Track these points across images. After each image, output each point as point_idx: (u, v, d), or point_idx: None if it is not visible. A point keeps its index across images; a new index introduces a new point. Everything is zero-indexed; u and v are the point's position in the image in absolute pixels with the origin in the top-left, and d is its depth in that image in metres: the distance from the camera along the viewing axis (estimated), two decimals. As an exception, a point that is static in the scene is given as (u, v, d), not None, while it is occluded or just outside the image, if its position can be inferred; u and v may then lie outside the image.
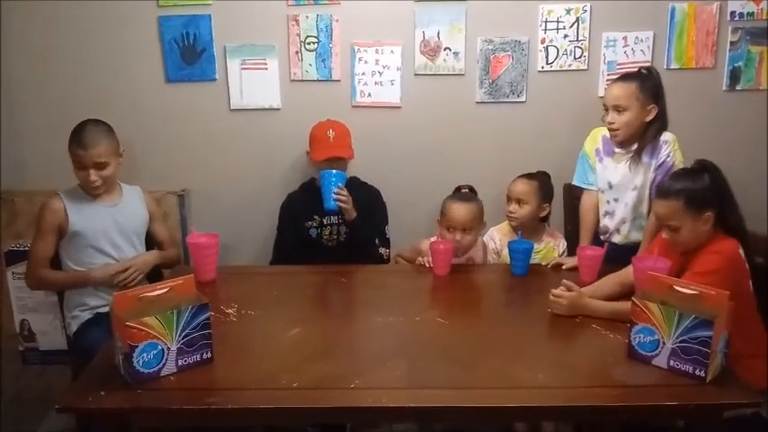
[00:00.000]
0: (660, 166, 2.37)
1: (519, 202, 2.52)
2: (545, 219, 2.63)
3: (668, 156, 2.36)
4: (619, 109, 2.35)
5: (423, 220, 2.86)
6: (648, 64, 2.74)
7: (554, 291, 1.97)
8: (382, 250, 2.67)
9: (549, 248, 2.58)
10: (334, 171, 2.49)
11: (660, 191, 2.00)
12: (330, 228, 2.64)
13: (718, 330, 1.55)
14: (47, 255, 2.26)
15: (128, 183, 2.45)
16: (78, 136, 2.21)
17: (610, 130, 2.41)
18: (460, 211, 2.42)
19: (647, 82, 2.35)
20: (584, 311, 1.94)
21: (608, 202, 2.51)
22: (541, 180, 2.58)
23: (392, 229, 2.74)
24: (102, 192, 2.30)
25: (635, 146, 2.40)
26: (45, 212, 2.24)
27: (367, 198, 2.71)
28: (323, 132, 2.63)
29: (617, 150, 2.44)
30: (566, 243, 2.62)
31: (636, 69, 2.48)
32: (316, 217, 2.65)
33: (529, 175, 2.59)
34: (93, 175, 2.22)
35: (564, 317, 1.96)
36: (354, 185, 2.71)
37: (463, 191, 2.56)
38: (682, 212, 1.90)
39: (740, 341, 1.80)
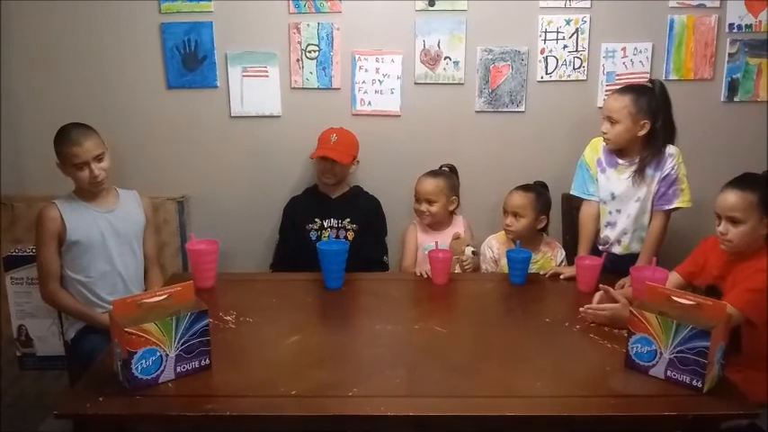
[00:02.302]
0: (665, 178, 2.39)
1: (515, 215, 2.53)
2: (543, 229, 2.64)
3: (673, 168, 2.38)
4: (611, 120, 2.38)
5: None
6: (648, 75, 2.77)
7: (593, 305, 1.97)
8: (385, 258, 2.75)
9: (547, 259, 2.58)
10: (333, 247, 2.29)
11: (735, 181, 1.99)
12: (330, 231, 2.66)
13: (715, 341, 1.55)
14: (55, 268, 2.26)
15: (128, 188, 2.45)
16: (68, 136, 2.20)
17: (603, 138, 2.44)
18: (424, 183, 2.64)
19: (643, 96, 2.36)
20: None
21: (610, 212, 2.51)
22: (538, 191, 2.59)
23: (391, 236, 2.75)
24: (105, 186, 2.29)
25: (637, 158, 2.41)
26: (43, 221, 2.23)
27: (366, 205, 2.77)
28: (327, 135, 2.71)
29: (620, 162, 2.46)
30: (564, 253, 2.62)
31: (640, 81, 2.51)
32: (316, 220, 2.70)
33: (525, 188, 2.59)
34: (96, 169, 2.21)
35: (562, 326, 1.97)
36: (356, 193, 2.78)
37: (443, 168, 2.72)
38: (751, 207, 1.92)
39: (755, 354, 1.83)
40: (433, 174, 2.68)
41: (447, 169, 2.75)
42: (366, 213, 2.74)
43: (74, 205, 2.28)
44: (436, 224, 2.69)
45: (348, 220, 2.70)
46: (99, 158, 2.23)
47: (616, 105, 2.37)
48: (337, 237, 2.67)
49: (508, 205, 2.56)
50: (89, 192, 2.28)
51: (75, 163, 2.20)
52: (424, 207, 2.63)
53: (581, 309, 2.00)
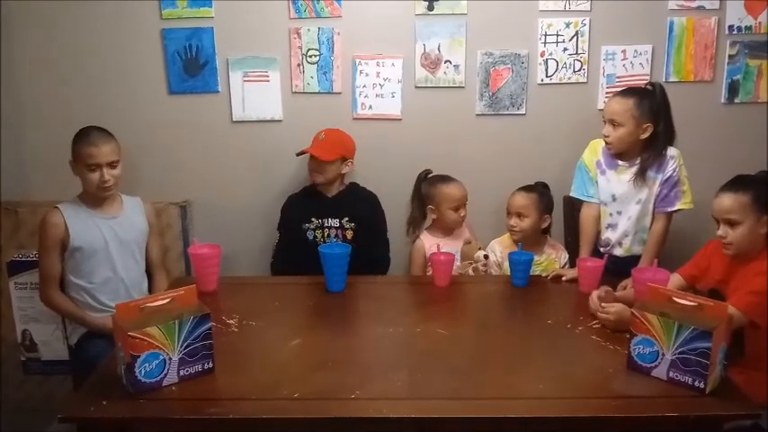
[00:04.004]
0: (666, 180, 2.40)
1: (519, 215, 2.54)
2: (546, 230, 2.64)
3: (674, 171, 2.39)
4: (614, 123, 2.38)
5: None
6: (648, 77, 2.77)
7: (599, 309, 1.98)
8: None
9: (551, 261, 2.58)
10: (336, 250, 2.29)
11: (728, 184, 2.01)
12: (329, 230, 2.65)
13: (717, 342, 1.55)
14: (56, 272, 2.27)
15: (130, 194, 2.46)
16: (88, 137, 2.23)
17: (605, 141, 2.44)
18: (458, 189, 2.65)
19: (645, 100, 2.36)
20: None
21: (611, 214, 2.52)
22: (540, 191, 2.60)
23: (393, 240, 2.75)
24: (113, 193, 2.31)
25: (638, 160, 2.41)
26: (46, 227, 2.24)
27: (364, 202, 2.76)
28: (318, 134, 2.71)
29: (620, 163, 2.46)
30: (567, 255, 2.62)
31: (641, 84, 2.51)
32: (313, 219, 2.68)
33: (527, 188, 2.60)
34: (107, 174, 2.23)
35: (564, 328, 1.98)
36: (353, 190, 2.77)
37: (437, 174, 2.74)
38: (746, 208, 1.93)
39: (758, 355, 1.83)
40: (455, 180, 2.68)
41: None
42: (364, 210, 2.73)
43: (78, 211, 2.29)
44: (449, 230, 2.69)
45: (346, 218, 2.69)
46: (113, 165, 2.25)
47: (619, 108, 2.37)
48: (336, 236, 2.66)
49: (511, 206, 2.57)
50: (94, 197, 2.29)
51: (89, 163, 2.22)
52: (462, 213, 2.65)
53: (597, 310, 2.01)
